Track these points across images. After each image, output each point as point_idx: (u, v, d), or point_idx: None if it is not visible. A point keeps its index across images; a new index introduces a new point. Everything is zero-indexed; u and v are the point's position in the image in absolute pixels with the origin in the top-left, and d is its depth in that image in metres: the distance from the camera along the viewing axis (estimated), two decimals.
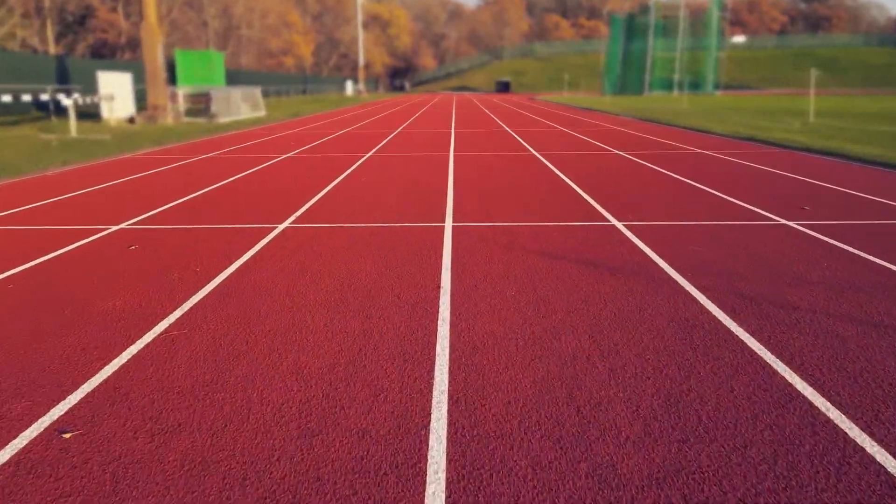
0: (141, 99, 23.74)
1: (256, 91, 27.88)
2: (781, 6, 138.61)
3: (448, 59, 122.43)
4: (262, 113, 27.33)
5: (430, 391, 2.69)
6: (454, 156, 11.47)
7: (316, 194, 7.62)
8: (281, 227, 5.89)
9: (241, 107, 25.58)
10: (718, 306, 3.68)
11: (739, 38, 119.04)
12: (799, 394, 2.65)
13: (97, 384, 2.79)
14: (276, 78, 59.74)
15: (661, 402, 2.59)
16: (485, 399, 2.62)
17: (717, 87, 65.87)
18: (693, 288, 4.00)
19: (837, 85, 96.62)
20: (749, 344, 3.16)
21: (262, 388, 2.74)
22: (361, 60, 67.16)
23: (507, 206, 6.79)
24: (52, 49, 44.98)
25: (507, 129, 18.13)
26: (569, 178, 8.75)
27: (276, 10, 68.44)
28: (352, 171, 9.58)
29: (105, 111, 20.27)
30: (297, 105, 37.76)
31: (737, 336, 3.25)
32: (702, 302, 3.76)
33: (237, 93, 25.59)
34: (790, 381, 2.76)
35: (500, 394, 2.66)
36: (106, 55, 46.34)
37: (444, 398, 2.63)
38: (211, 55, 39.35)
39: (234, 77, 48.63)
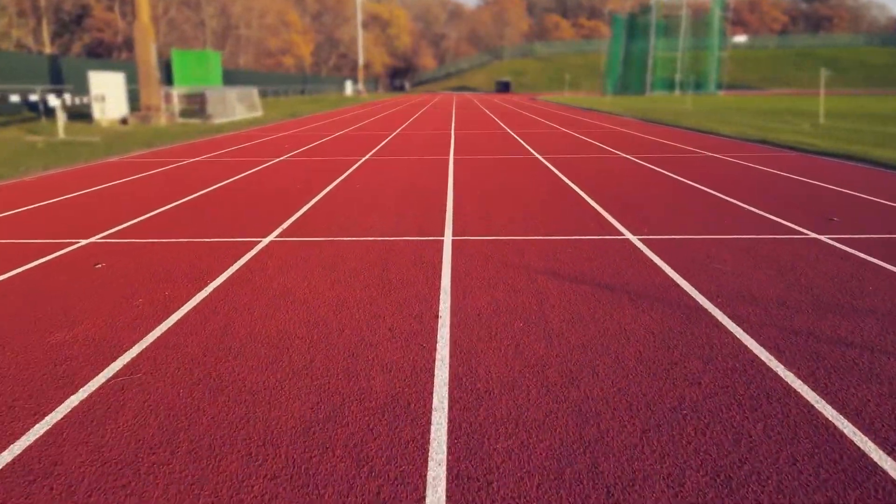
0: (135, 99, 23.27)
1: (253, 91, 27.41)
2: (782, 6, 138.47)
3: (448, 59, 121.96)
4: (258, 113, 26.86)
5: (426, 465, 2.21)
6: (454, 159, 10.99)
7: (307, 203, 7.14)
8: (265, 241, 5.41)
9: (237, 107, 25.11)
10: (759, 343, 3.19)
11: (741, 38, 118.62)
12: (875, 466, 2.16)
13: (17, 454, 2.31)
14: (275, 78, 59.27)
15: (708, 480, 2.10)
16: (491, 477, 2.13)
17: (719, 87, 65.37)
18: (726, 318, 3.52)
19: (838, 85, 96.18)
20: (804, 395, 2.67)
21: (219, 460, 2.25)
22: (361, 60, 66.69)
23: (510, 217, 6.31)
24: (48, 49, 44.50)
25: (509, 130, 17.65)
26: (575, 185, 8.27)
27: (274, 10, 67.91)
28: (347, 177, 9.10)
29: (97, 112, 19.79)
30: (295, 105, 37.30)
31: (787, 384, 2.76)
32: (738, 337, 3.27)
33: (233, 93, 25.11)
34: (862, 446, 2.28)
35: (511, 466, 2.17)
36: (102, 55, 45.82)
37: (442, 478, 2.14)
38: (208, 55, 38.89)
39: (232, 77, 48.17)
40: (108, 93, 20.50)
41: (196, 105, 24.85)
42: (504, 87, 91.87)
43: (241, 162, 10.91)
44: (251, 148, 13.28)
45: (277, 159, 11.24)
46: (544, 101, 42.44)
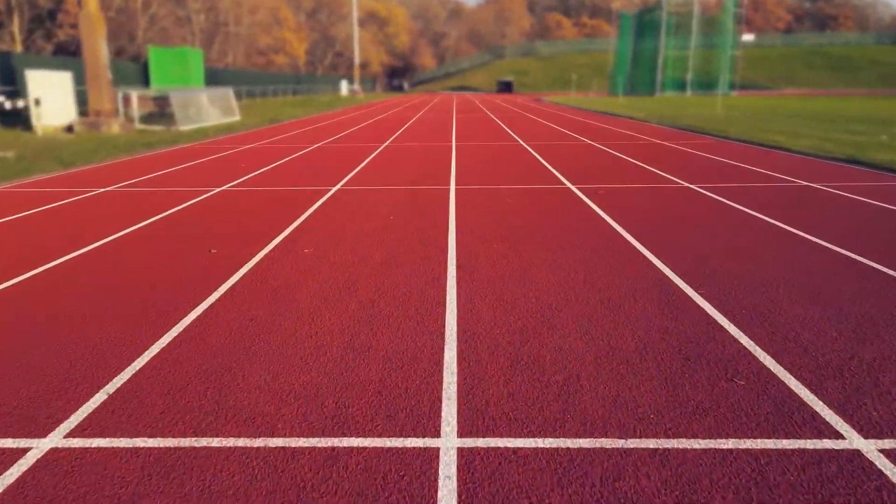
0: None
1: (228, 93, 24.43)
2: (787, 4, 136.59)
3: (448, 59, 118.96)
4: (235, 118, 23.89)
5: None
6: (457, 190, 8.03)
7: (202, 301, 4.15)
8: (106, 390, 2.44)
9: (208, 112, 22.14)
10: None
11: (749, 37, 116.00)
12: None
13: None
14: (266, 77, 56.27)
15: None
16: None
17: (732, 87, 62.39)
18: None
19: (848, 85, 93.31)
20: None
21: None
22: (357, 59, 63.70)
23: (562, 340, 3.31)
24: (20, 47, 41.52)
25: (521, 141, 14.67)
26: (654, 254, 5.26)
27: (266, 6, 64.86)
28: (297, 228, 6.13)
29: (34, 118, 16.82)
30: (281, 108, 34.29)
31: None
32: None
33: (204, 96, 22.15)
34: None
35: None
36: (77, 53, 42.89)
37: None
38: (187, 52, 35.87)
39: (218, 76, 45.17)
40: (51, 95, 17.54)
41: (164, 109, 21.88)
42: (506, 87, 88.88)
43: (158, 196, 7.92)
44: (195, 169, 10.31)
45: (215, 190, 8.26)
46: (552, 103, 39.43)
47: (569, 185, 8.45)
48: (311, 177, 9.32)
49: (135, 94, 20.02)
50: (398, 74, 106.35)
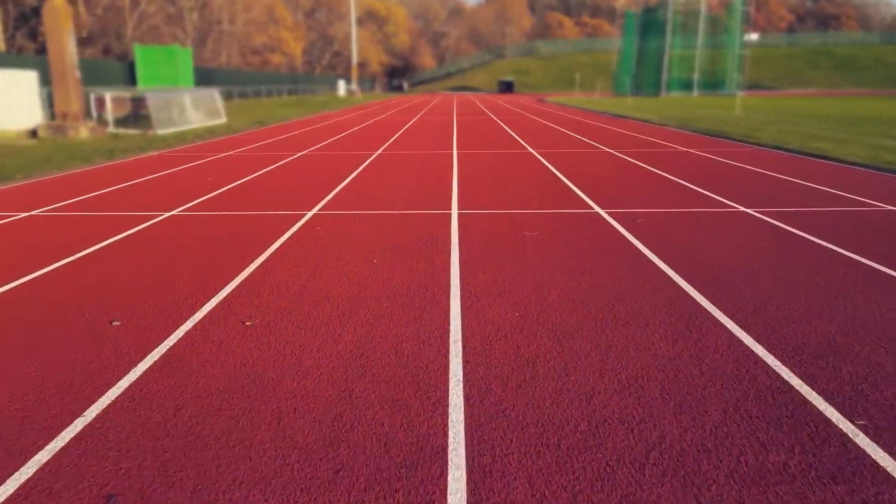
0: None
1: (213, 94, 22.85)
2: (789, 4, 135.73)
3: (448, 58, 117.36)
4: (221, 120, 22.32)
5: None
6: (459, 218, 6.48)
7: (56, 436, 2.58)
8: None
9: (191, 114, 20.58)
10: None
11: (752, 36, 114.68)
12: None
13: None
14: (261, 77, 54.69)
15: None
16: None
17: (739, 87, 60.78)
18: None
19: (853, 85, 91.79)
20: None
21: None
22: (355, 58, 62.09)
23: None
24: (3, 46, 39.94)
25: (531, 149, 13.11)
26: (761, 344, 3.69)
27: (261, 4, 63.23)
28: (248, 278, 4.58)
29: None
30: (274, 109, 32.71)
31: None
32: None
33: (186, 97, 20.57)
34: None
35: None
36: None
37: None
38: (176, 51, 34.32)
39: (210, 76, 43.61)
40: (13, 96, 16.00)
41: (142, 111, 20.29)
42: (507, 88, 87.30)
43: (85, 225, 6.34)
44: (151, 185, 8.74)
45: (160, 217, 6.68)
46: (556, 104, 37.87)
47: (596, 208, 6.89)
48: (284, 196, 7.77)
49: (108, 95, 18.45)
50: (398, 74, 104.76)
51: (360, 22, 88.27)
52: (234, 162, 11.23)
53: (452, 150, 12.98)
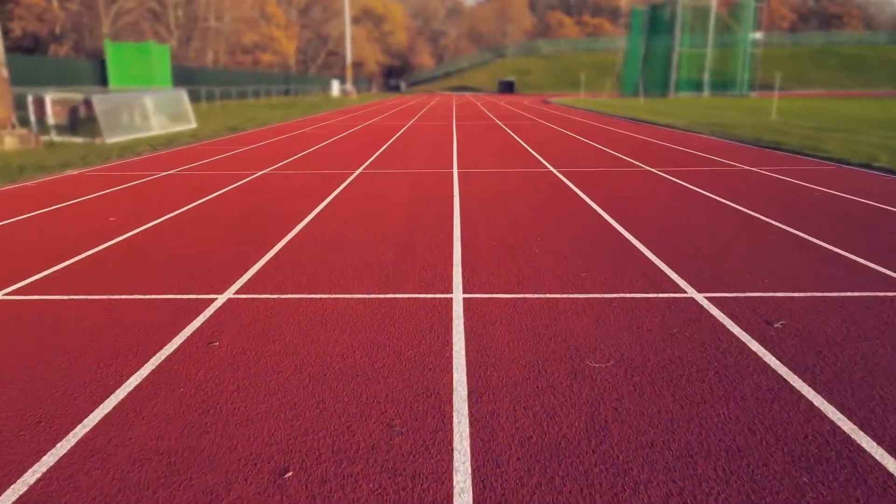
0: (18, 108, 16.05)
1: (180, 95, 20.18)
2: (791, 3, 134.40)
3: (447, 58, 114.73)
4: (188, 126, 19.66)
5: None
6: (465, 308, 3.87)
7: None
8: None
9: (153, 119, 17.93)
10: None
11: (757, 35, 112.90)
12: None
13: None
14: (250, 77, 51.98)
15: None
16: None
17: (751, 87, 58.22)
18: None
19: (861, 85, 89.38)
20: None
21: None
22: (349, 57, 59.28)
23: None
24: None
25: (550, 166, 10.47)
26: None
27: (252, 0, 60.26)
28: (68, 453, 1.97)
29: None
30: (256, 111, 30.01)
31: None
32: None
33: (147, 99, 17.91)
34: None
35: None
36: (35, 50, 38.54)
37: None
38: (151, 48, 31.60)
39: (193, 76, 40.94)
40: None
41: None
42: (508, 88, 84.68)
43: None
44: (22, 228, 6.11)
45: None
46: (561, 106, 35.21)
47: (691, 291, 4.23)
48: (197, 257, 5.13)
49: (48, 98, 15.78)
50: (395, 74, 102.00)
51: (356, 20, 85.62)
52: (165, 188, 8.60)
53: (452, 167, 10.33)
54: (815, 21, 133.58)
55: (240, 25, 58.48)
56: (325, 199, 7.63)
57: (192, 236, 5.81)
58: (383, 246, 5.33)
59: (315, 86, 63.14)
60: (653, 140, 14.61)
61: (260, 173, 9.87)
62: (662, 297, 4.05)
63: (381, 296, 4.15)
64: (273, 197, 7.72)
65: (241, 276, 4.59)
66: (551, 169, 10.04)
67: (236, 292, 4.27)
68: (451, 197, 7.64)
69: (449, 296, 4.14)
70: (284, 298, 4.13)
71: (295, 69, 73.71)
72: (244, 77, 49.93)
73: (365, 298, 4.11)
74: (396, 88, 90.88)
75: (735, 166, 10.16)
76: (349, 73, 58.85)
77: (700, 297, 4.05)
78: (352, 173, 9.75)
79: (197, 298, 4.14)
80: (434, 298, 4.09)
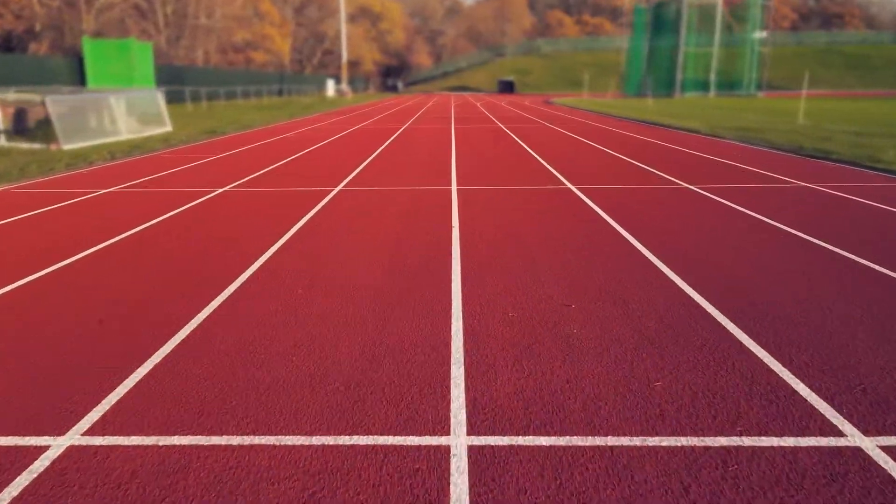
0: None
1: (154, 96, 18.47)
2: (792, 3, 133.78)
3: (445, 57, 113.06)
4: (163, 129, 17.95)
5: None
6: (467, 430, 2.23)
7: None
8: None
9: (121, 122, 16.23)
10: None
11: (761, 34, 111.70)
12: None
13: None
14: (243, 76, 50.28)
15: None
16: None
17: (759, 87, 56.59)
18: None
19: (867, 85, 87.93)
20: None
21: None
22: (345, 55, 57.50)
23: None
24: None
25: (568, 183, 8.80)
26: None
27: None
28: None
29: None
30: (243, 113, 28.28)
31: None
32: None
33: (113, 100, 16.20)
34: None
35: None
36: (15, 48, 36.73)
37: None
38: (132, 45, 29.85)
39: (181, 75, 39.24)
40: None
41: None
42: (507, 88, 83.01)
43: None
44: None
45: None
46: (566, 107, 33.53)
47: (836, 422, 2.58)
48: (40, 368, 3.46)
49: None
50: (393, 73, 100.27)
51: (353, 18, 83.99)
52: (86, 214, 6.91)
53: (451, 182, 8.65)
54: (817, 20, 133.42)
55: (231, 23, 56.71)
56: (294, 224, 5.95)
57: (117, 277, 4.12)
58: (347, 344, 3.63)
59: (310, 86, 61.42)
60: (678, 147, 12.94)
61: (219, 191, 8.18)
62: (819, 446, 2.37)
63: (335, 441, 2.47)
64: (215, 234, 6.02)
65: (90, 411, 2.87)
66: (570, 186, 8.35)
67: (83, 435, 2.57)
68: (449, 218, 5.97)
69: (446, 442, 2.46)
70: (159, 450, 2.45)
71: (290, 68, 72.00)
72: (236, 76, 48.21)
73: (310, 445, 2.43)
74: (394, 88, 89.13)
75: (788, 182, 8.48)
76: (345, 73, 57.08)
77: (871, 447, 2.37)
78: (329, 192, 8.06)
79: (18, 448, 2.45)
80: (423, 447, 2.41)
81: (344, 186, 8.47)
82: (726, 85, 57.73)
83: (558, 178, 9.00)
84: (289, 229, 5.97)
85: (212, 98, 39.75)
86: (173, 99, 34.88)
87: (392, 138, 15.77)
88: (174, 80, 37.20)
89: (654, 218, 6.34)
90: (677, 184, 8.44)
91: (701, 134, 15.92)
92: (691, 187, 8.16)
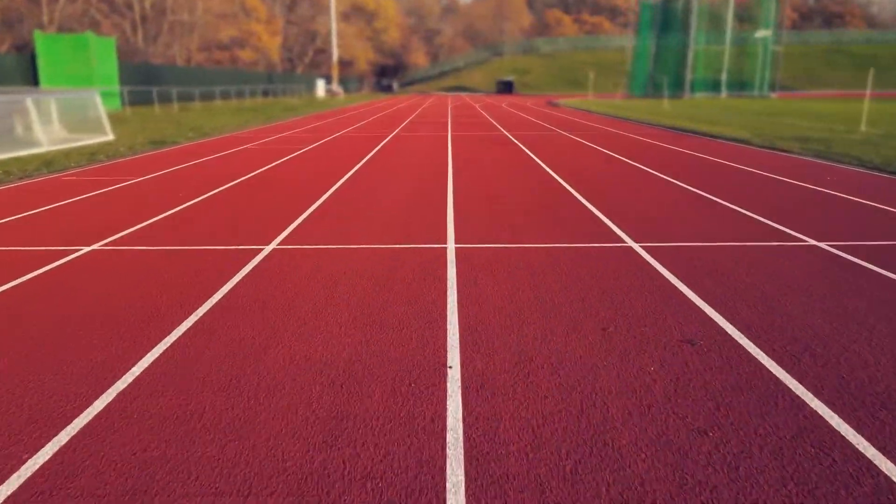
0: None
1: (90, 99, 15.44)
2: (793, 2, 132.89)
3: (442, 57, 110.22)
4: (101, 138, 14.93)
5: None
6: None
7: None
8: None
9: (38, 130, 13.22)
10: None
11: (765, 34, 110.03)
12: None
13: None
14: (227, 76, 47.26)
15: None
16: None
17: (772, 88, 53.77)
18: None
19: (876, 86, 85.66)
20: None
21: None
22: (335, 54, 54.49)
23: None
24: None
25: (621, 231, 5.82)
26: None
27: None
28: None
29: None
30: (216, 116, 25.20)
31: None
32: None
33: (31, 103, 13.19)
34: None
35: None
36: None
37: None
38: (90, 40, 26.70)
39: (154, 74, 36.14)
40: None
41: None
42: (506, 88, 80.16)
43: None
44: None
45: None
46: (573, 109, 30.52)
47: None
48: None
49: None
50: (388, 73, 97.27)
51: (346, 17, 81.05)
52: None
53: (446, 232, 5.67)
54: (818, 20, 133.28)
55: (215, 19, 53.56)
56: (207, 300, 3.01)
57: None
58: None
59: (300, 85, 58.42)
60: (746, 168, 9.96)
61: (83, 251, 5.17)
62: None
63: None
64: (123, 301, 3.04)
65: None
66: (628, 242, 5.35)
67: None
68: (444, 303, 3.01)
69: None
70: None
71: (281, 67, 69.03)
72: (219, 76, 45.19)
73: None
74: (388, 88, 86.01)
75: None
76: (335, 72, 54.09)
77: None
78: (255, 254, 5.06)
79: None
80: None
81: (280, 242, 5.46)
82: (737, 85, 54.96)
83: (606, 225, 6.00)
84: (198, 306, 2.99)
85: (188, 99, 36.71)
86: (141, 100, 31.82)
87: (375, 149, 12.77)
88: (150, 80, 34.18)
89: (804, 322, 3.36)
90: (802, 240, 5.44)
91: (754, 146, 12.97)
92: (820, 245, 5.18)
